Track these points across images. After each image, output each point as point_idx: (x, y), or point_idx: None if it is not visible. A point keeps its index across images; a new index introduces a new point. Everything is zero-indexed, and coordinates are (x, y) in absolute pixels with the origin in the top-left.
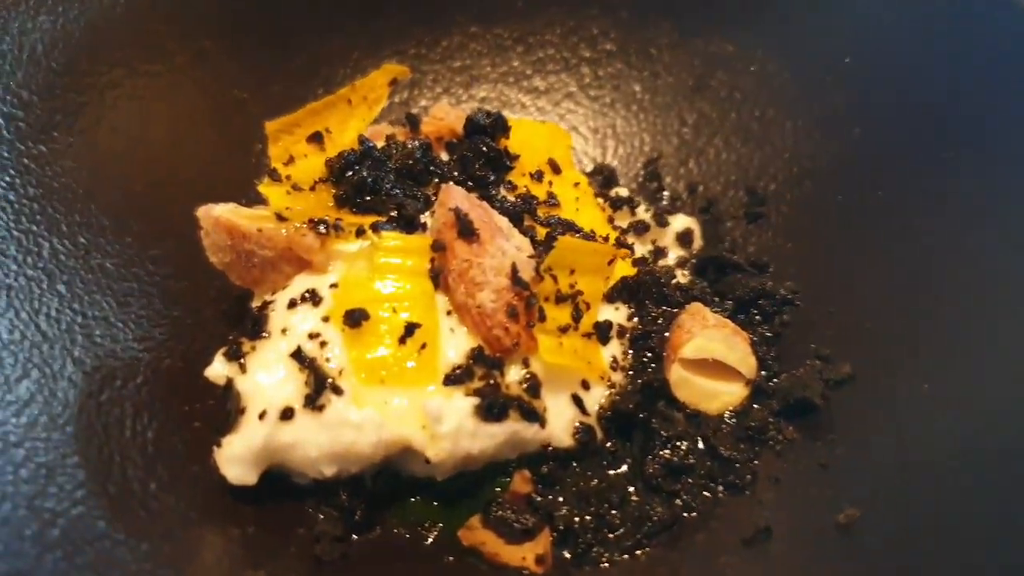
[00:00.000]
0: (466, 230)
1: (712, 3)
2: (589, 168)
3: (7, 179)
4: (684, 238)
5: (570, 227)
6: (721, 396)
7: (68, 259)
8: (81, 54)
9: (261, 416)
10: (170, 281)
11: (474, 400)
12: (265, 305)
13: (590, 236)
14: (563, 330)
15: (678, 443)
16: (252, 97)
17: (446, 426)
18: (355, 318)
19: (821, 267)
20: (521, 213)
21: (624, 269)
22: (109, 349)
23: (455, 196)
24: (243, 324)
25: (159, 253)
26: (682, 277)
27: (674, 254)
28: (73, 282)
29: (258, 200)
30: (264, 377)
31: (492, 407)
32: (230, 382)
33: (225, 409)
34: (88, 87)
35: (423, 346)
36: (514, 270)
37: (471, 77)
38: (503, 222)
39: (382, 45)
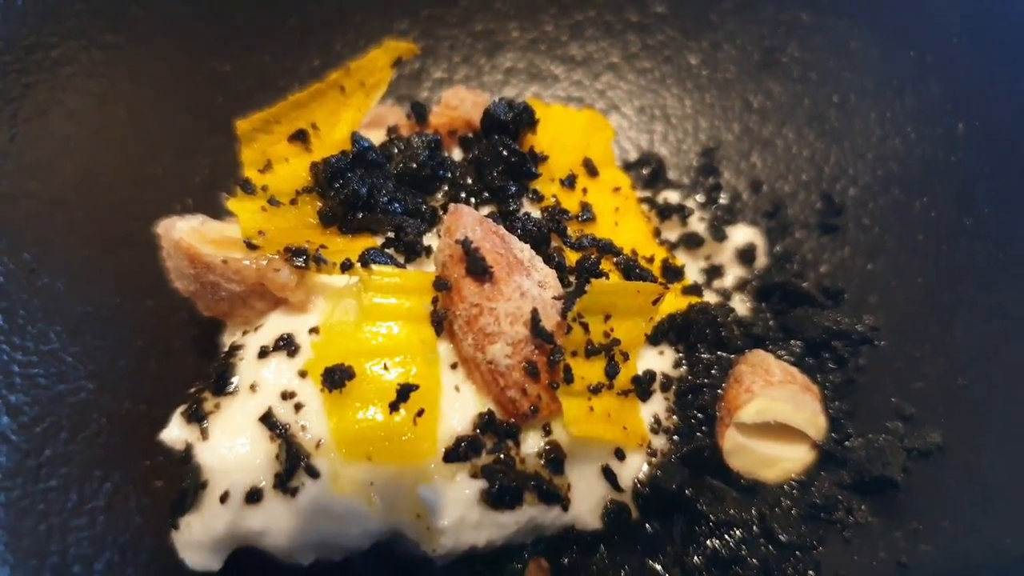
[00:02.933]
0: (477, 267)
1: None
2: (633, 156)
3: None
4: (745, 255)
5: (607, 249)
6: (783, 462)
7: (8, 281)
8: (26, 24)
9: (223, 498)
10: (132, 303)
11: (481, 483)
12: (233, 351)
13: (631, 262)
14: (594, 390)
15: (728, 530)
16: (234, 70)
17: (447, 519)
18: (337, 378)
19: (907, 298)
20: (547, 234)
21: (672, 299)
22: (56, 393)
23: (465, 222)
24: (210, 368)
25: (120, 268)
26: (741, 304)
27: (732, 274)
28: (13, 310)
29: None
30: (228, 447)
31: (504, 492)
32: (189, 448)
33: (184, 474)
34: (35, 65)
35: (420, 412)
36: (534, 318)
37: (494, 43)
38: (524, 252)
39: (390, 2)
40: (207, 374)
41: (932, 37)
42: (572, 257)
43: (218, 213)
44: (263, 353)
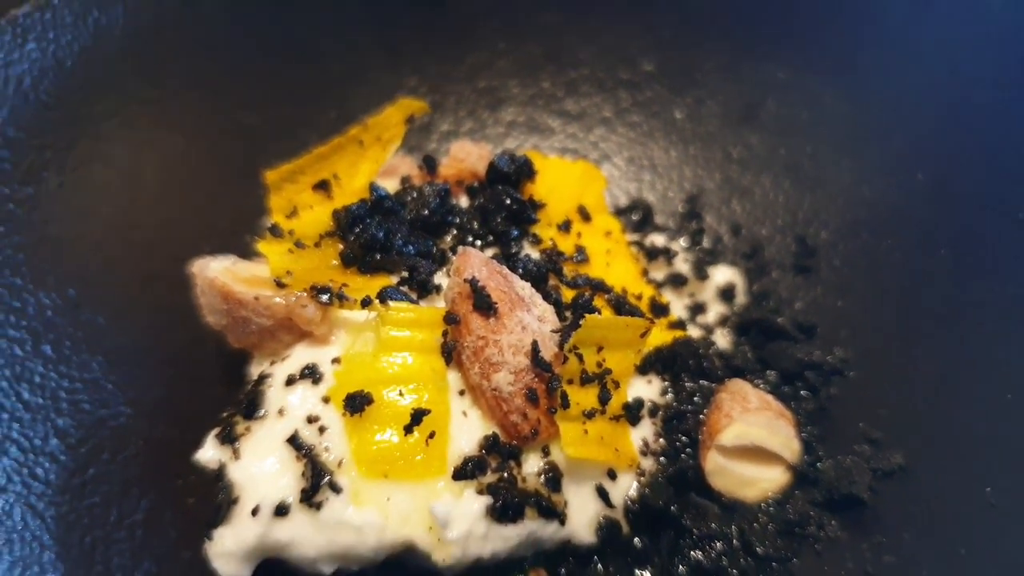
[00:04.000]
0: (483, 303)
1: (764, 23)
2: (624, 202)
3: None
4: (726, 293)
5: (600, 287)
6: (760, 482)
7: (56, 315)
8: (73, 84)
9: (254, 512)
10: (166, 335)
11: (487, 499)
12: (262, 379)
13: (621, 299)
14: (588, 415)
15: (710, 543)
16: (258, 122)
17: (455, 531)
18: (357, 403)
19: (874, 333)
20: (546, 273)
21: (659, 333)
22: (97, 417)
23: (472, 263)
24: (239, 394)
25: (155, 303)
26: (722, 338)
27: (714, 310)
28: (60, 341)
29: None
30: (258, 466)
31: (507, 508)
32: (222, 467)
33: (218, 490)
34: (80, 119)
35: (431, 435)
36: (535, 349)
37: (497, 99)
38: (525, 290)
39: (401, 61)
40: (236, 400)
41: (895, 96)
42: (568, 294)
43: (243, 253)
44: (290, 381)
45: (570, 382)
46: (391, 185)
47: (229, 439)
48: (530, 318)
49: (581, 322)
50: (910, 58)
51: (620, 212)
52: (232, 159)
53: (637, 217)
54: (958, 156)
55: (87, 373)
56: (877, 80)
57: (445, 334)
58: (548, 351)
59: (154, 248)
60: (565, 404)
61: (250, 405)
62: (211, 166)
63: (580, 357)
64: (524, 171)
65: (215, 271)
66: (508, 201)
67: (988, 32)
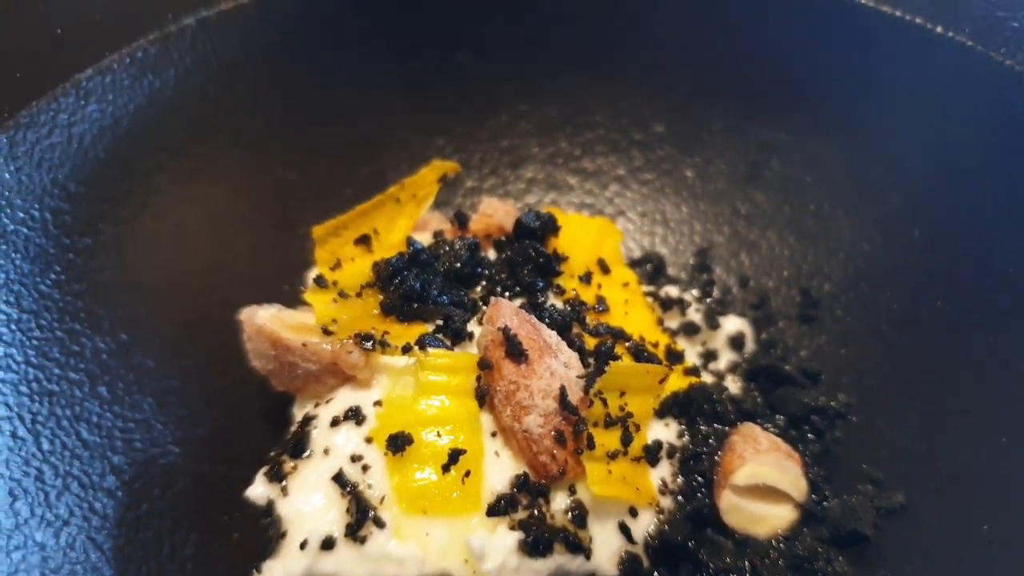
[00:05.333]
0: (514, 350)
1: (767, 87)
2: (638, 255)
3: (52, 277)
4: (736, 342)
5: (620, 336)
6: (770, 520)
7: (110, 358)
8: (128, 141)
9: (302, 545)
10: (211, 377)
11: (519, 534)
12: (308, 421)
13: (640, 347)
14: (612, 456)
15: None
16: (298, 177)
17: (490, 563)
18: (399, 444)
19: (875, 379)
20: (570, 322)
21: (675, 379)
22: (149, 455)
23: (504, 313)
24: (284, 435)
25: (200, 347)
26: (733, 384)
27: (725, 358)
28: (114, 383)
29: (302, 284)
30: (305, 502)
31: (537, 543)
32: (271, 503)
33: (263, 524)
34: (133, 173)
35: (467, 474)
36: (563, 394)
37: (518, 157)
38: (552, 337)
39: (429, 122)
40: (283, 440)
41: (892, 157)
42: (591, 342)
43: (284, 300)
44: (334, 422)
45: (595, 425)
46: (424, 238)
47: (277, 477)
48: (557, 364)
49: (606, 368)
50: (906, 122)
51: (635, 264)
52: (273, 212)
53: (651, 268)
54: (952, 214)
55: (138, 413)
56: (875, 142)
57: (479, 379)
58: (575, 395)
59: (200, 295)
60: (591, 445)
61: (297, 445)
62: (253, 218)
63: (604, 401)
64: (549, 227)
65: (263, 319)
66: (534, 255)
67: (978, 100)
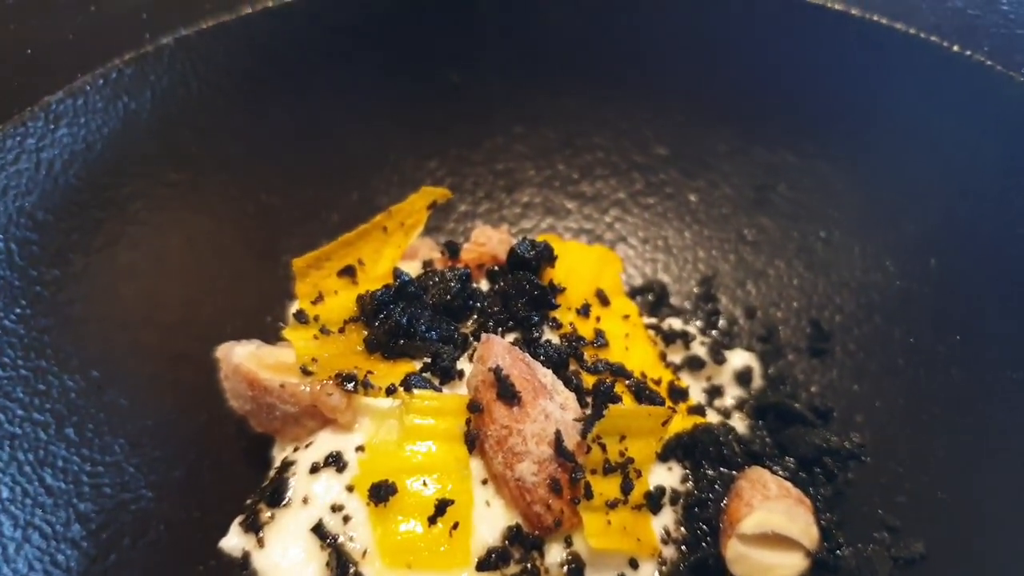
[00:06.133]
0: (506, 392)
1: (774, 109)
2: (639, 282)
3: (17, 311)
4: (742, 377)
5: (620, 372)
6: (780, 570)
7: (79, 398)
8: (101, 167)
9: None
10: (188, 416)
11: None
12: (286, 467)
13: (641, 384)
14: (611, 505)
15: None
16: (281, 203)
17: None
18: (382, 493)
19: (890, 418)
20: (566, 359)
21: (678, 419)
22: (119, 500)
23: (495, 351)
24: (262, 479)
25: (177, 384)
26: (740, 422)
27: (731, 394)
28: (83, 424)
29: (285, 315)
30: (283, 555)
31: None
32: (247, 555)
33: None
34: (107, 202)
35: (455, 525)
36: (558, 439)
37: (514, 181)
38: (547, 377)
39: (421, 144)
40: (260, 487)
41: (905, 183)
42: (589, 380)
43: (266, 332)
44: (314, 469)
45: (593, 472)
46: (412, 267)
47: (253, 527)
48: (553, 406)
49: (604, 412)
50: (920, 145)
51: (636, 292)
52: (255, 240)
53: (652, 298)
54: (970, 243)
55: (109, 456)
56: (886, 167)
57: (468, 422)
58: (571, 440)
59: (177, 329)
60: (588, 495)
61: (274, 493)
62: (234, 247)
63: (603, 447)
64: (544, 256)
65: (240, 357)
66: (528, 287)
67: (997, 122)
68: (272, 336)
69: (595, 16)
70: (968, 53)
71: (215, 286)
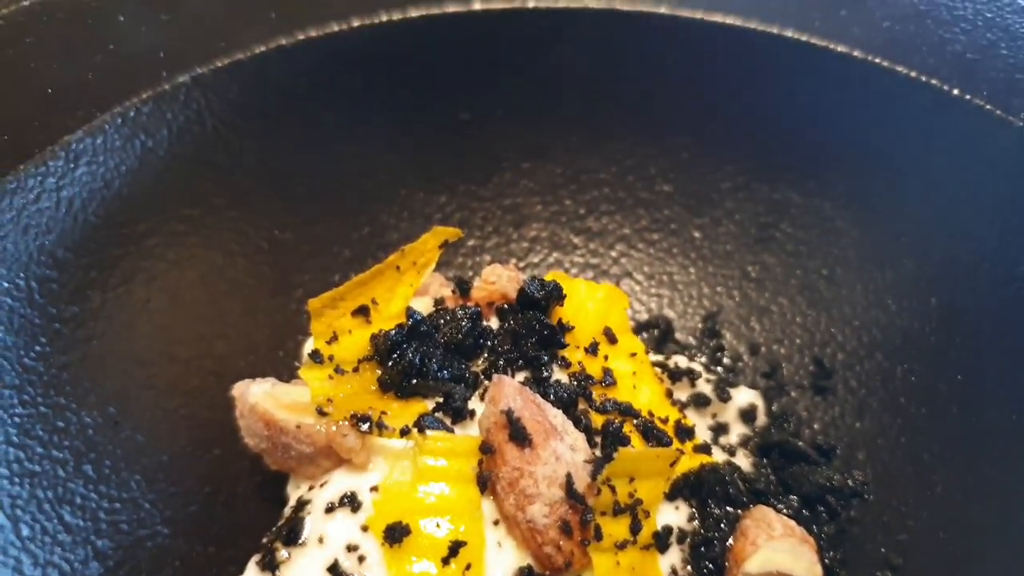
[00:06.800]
0: (518, 434)
1: (777, 147)
2: (644, 317)
3: (37, 348)
4: (747, 415)
5: (628, 412)
6: None
7: (96, 434)
8: (118, 204)
9: None
10: (203, 451)
11: None
12: (301, 506)
13: (649, 424)
14: (620, 546)
15: None
16: (293, 238)
17: None
18: (396, 534)
19: (892, 456)
20: (576, 398)
21: (685, 458)
22: (136, 537)
23: (507, 393)
24: (278, 515)
25: (192, 418)
26: (744, 458)
27: (736, 431)
28: (101, 461)
29: (298, 351)
30: None
31: None
32: None
33: None
34: (124, 238)
35: (468, 566)
36: (569, 482)
37: (521, 216)
38: (557, 418)
39: (430, 180)
40: (276, 525)
41: (905, 221)
42: (598, 420)
43: (279, 367)
44: (329, 508)
45: (603, 514)
46: (422, 303)
47: (270, 567)
48: (563, 448)
49: (615, 455)
50: (919, 187)
51: (641, 328)
52: (268, 276)
53: (658, 334)
54: (969, 283)
55: (126, 492)
56: (887, 207)
57: (480, 463)
58: (581, 483)
59: (192, 364)
60: (598, 536)
61: (291, 532)
62: (248, 283)
63: (613, 489)
64: (554, 296)
65: (257, 396)
66: (538, 327)
67: (995, 165)
68: (285, 371)
69: (601, 56)
70: (968, 97)
71: (229, 321)
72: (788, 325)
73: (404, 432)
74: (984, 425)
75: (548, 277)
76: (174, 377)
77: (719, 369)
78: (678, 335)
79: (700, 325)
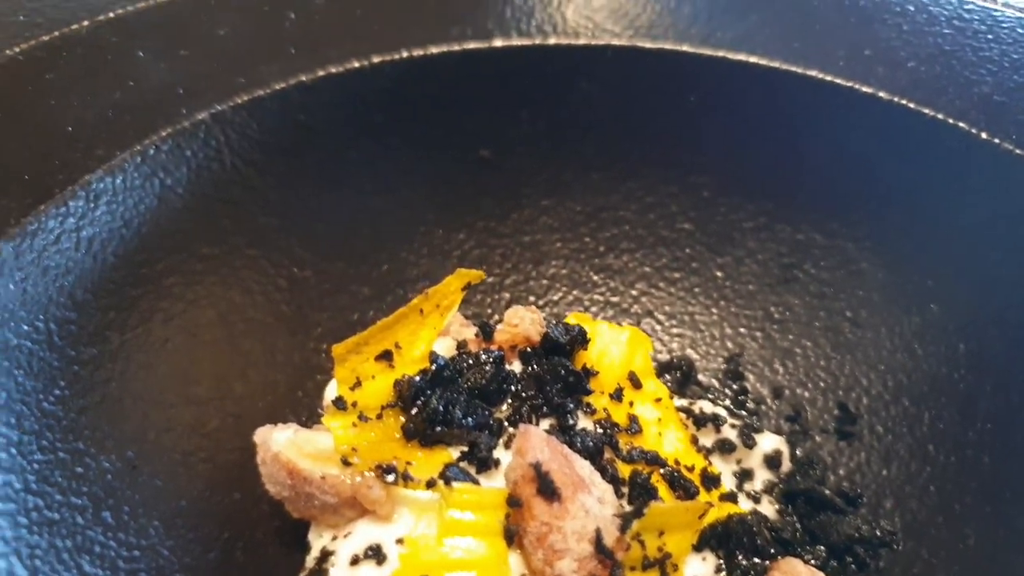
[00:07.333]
0: (547, 488)
1: (800, 187)
2: (665, 357)
3: (56, 392)
4: (772, 461)
5: (655, 461)
6: None
7: (115, 479)
8: (138, 243)
9: None
10: (222, 495)
11: None
12: (325, 557)
13: (676, 473)
14: None
15: None
16: (313, 275)
17: None
18: None
19: (921, 505)
20: (602, 447)
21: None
22: None
23: (535, 445)
24: (299, 561)
25: (211, 461)
26: (769, 507)
27: (761, 478)
28: (119, 507)
29: (317, 391)
30: None
31: None
32: None
33: None
34: (143, 278)
35: None
36: (598, 536)
37: (540, 253)
38: (584, 469)
39: (451, 217)
40: (296, 568)
41: (930, 265)
42: (624, 469)
43: (298, 408)
44: (354, 561)
45: (632, 568)
46: (443, 344)
47: None
48: (592, 501)
49: (645, 510)
50: (945, 231)
51: (663, 369)
52: (287, 314)
53: (680, 376)
54: (997, 330)
55: (144, 539)
56: (911, 250)
57: (507, 516)
58: (610, 537)
59: (210, 404)
60: None
61: None
62: (268, 321)
63: (642, 543)
64: (578, 340)
65: (280, 445)
66: (563, 373)
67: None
68: (304, 411)
69: (623, 93)
70: (996, 140)
71: (248, 360)
72: (812, 368)
73: (430, 484)
74: (1016, 476)
75: (569, 318)
76: (193, 419)
77: (743, 413)
78: (701, 376)
79: (723, 366)
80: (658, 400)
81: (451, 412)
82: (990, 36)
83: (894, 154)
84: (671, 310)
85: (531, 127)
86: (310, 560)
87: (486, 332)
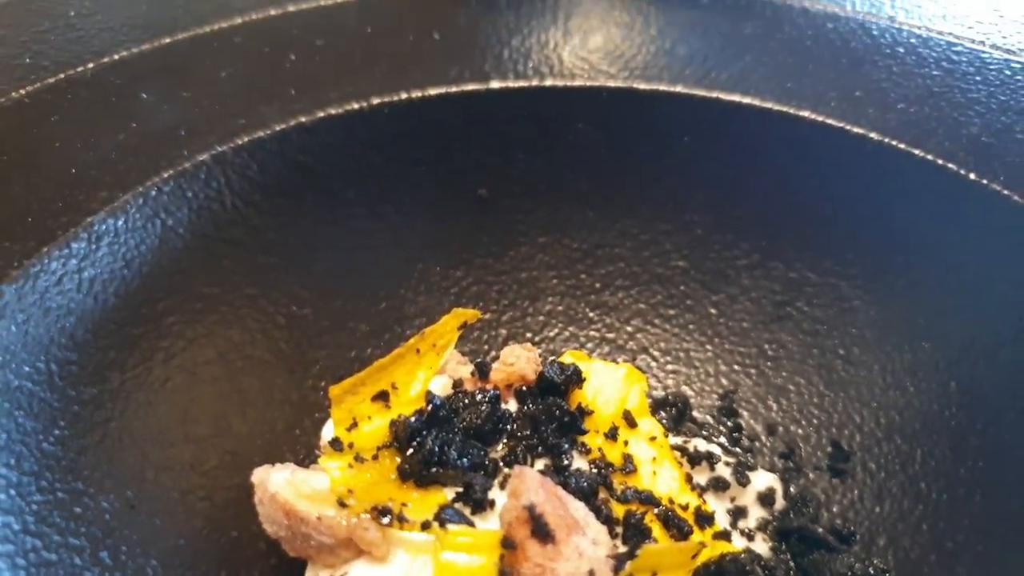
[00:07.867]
0: (541, 530)
1: (792, 226)
2: (660, 393)
3: (56, 432)
4: (766, 499)
5: (649, 501)
6: None
7: (113, 519)
8: (138, 283)
9: None
10: (219, 533)
11: None
12: None
13: (670, 512)
14: None
15: None
16: (312, 313)
17: None
18: None
19: (913, 543)
20: (596, 488)
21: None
22: None
23: (529, 487)
24: None
25: (209, 499)
26: (762, 544)
27: (755, 515)
28: (117, 547)
29: (315, 429)
30: None
31: None
32: None
33: None
34: (143, 318)
35: None
36: None
37: (537, 290)
38: (579, 511)
39: (448, 255)
40: None
41: (922, 304)
42: (619, 509)
43: (296, 447)
44: None
45: None
46: (439, 382)
47: None
48: (586, 543)
49: (637, 552)
50: (936, 270)
51: (658, 406)
52: (285, 352)
53: (675, 412)
54: (988, 369)
55: None
56: (903, 288)
57: (501, 558)
58: None
59: (208, 443)
60: None
61: None
62: (266, 359)
63: None
64: (573, 380)
65: (277, 485)
66: (559, 413)
67: (1013, 250)
68: (302, 448)
69: (618, 134)
70: (985, 182)
71: (246, 398)
72: (805, 405)
73: (425, 526)
74: (1008, 514)
75: (565, 356)
76: (191, 457)
77: (737, 450)
78: (695, 413)
79: (717, 403)
80: (653, 438)
81: (446, 453)
82: (978, 78)
83: (886, 194)
84: (666, 346)
85: (528, 166)
86: None
87: (482, 371)
